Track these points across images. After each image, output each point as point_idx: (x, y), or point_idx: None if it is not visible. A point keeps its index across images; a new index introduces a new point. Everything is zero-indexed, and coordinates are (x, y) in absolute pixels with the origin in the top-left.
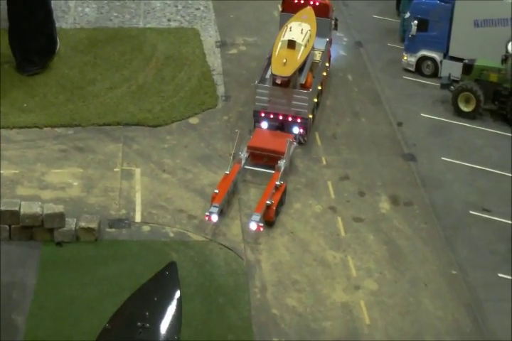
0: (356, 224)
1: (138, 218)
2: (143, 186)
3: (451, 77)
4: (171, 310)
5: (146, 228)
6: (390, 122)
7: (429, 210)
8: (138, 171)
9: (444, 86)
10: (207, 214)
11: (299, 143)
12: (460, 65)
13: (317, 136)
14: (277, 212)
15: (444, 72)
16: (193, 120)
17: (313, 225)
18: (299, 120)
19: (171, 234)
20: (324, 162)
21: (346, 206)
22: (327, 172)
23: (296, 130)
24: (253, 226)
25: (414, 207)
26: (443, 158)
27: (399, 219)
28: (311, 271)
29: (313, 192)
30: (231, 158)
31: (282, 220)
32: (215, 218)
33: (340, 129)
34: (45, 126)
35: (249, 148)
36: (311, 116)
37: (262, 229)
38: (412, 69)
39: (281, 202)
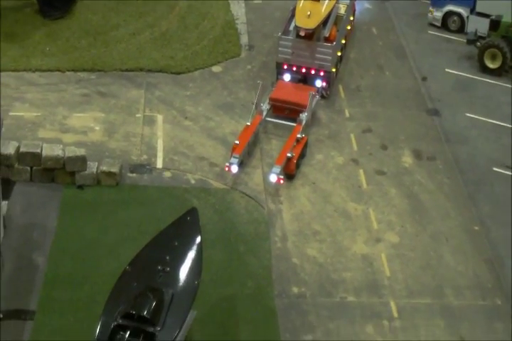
0: (378, 177)
1: (159, 164)
2: (165, 132)
3: (478, 33)
4: (192, 255)
5: (167, 174)
6: (414, 76)
7: (452, 165)
8: (160, 117)
9: (470, 42)
10: (227, 164)
11: (322, 96)
12: (487, 20)
13: (341, 89)
14: (298, 165)
15: (470, 28)
16: (216, 68)
17: (335, 176)
18: (322, 73)
19: (192, 181)
20: (347, 114)
21: (369, 159)
22: (350, 124)
23: (318, 83)
24: (273, 178)
25: (437, 162)
26: (467, 114)
27: (421, 173)
28: (332, 222)
29: (335, 144)
30: (253, 109)
31: (304, 171)
32: (234, 169)
33: (364, 82)
34: (68, 70)
35: (271, 99)
36: (334, 69)
37: (282, 181)
38: (438, 24)
39: (302, 155)
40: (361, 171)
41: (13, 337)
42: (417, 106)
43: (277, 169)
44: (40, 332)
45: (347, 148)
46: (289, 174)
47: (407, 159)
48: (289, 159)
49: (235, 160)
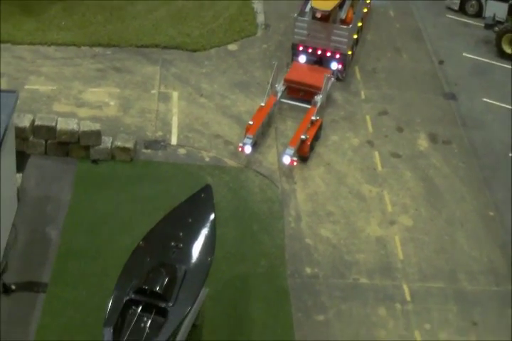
0: (394, 160)
1: (174, 141)
2: (180, 109)
3: (496, 18)
4: (205, 232)
5: (181, 151)
6: (431, 60)
7: (468, 150)
8: (175, 94)
9: (488, 26)
10: (240, 145)
11: (337, 79)
12: (505, 5)
13: (357, 70)
14: (312, 147)
15: (488, 13)
16: (232, 47)
17: (350, 158)
18: (337, 55)
19: (207, 159)
20: (363, 96)
21: (384, 141)
22: (366, 106)
23: (334, 65)
24: (286, 160)
25: (453, 146)
26: (484, 99)
27: (437, 157)
28: (346, 204)
29: (351, 126)
30: (267, 89)
31: (319, 152)
32: (248, 149)
33: (380, 64)
34: (83, 45)
35: (285, 81)
36: (350, 52)
37: (295, 163)
38: (456, 8)
39: (316, 138)
40: (376, 153)
41: (24, 309)
42: (433, 90)
43: (291, 151)
44: (52, 304)
45: (362, 130)
46: (303, 156)
47: (423, 142)
48: (302, 141)
49: (248, 141)
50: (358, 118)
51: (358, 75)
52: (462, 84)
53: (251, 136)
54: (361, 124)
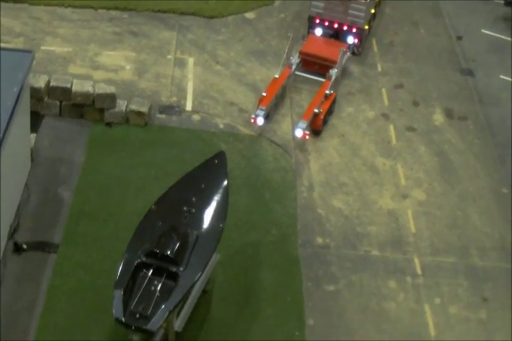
0: (408, 134)
1: (188, 107)
2: (195, 75)
3: None
4: (218, 198)
5: (196, 117)
6: (449, 35)
7: (483, 126)
8: (191, 60)
9: (507, 3)
10: (253, 116)
11: (353, 53)
12: None
13: (374, 43)
14: (325, 121)
15: None
16: (249, 15)
17: (364, 130)
18: (354, 30)
19: (221, 126)
20: (380, 69)
21: (399, 114)
22: (382, 79)
23: (350, 40)
24: (299, 133)
25: (469, 122)
26: (501, 76)
27: (452, 132)
28: (359, 176)
29: (366, 98)
30: (282, 61)
31: (333, 123)
32: (260, 121)
33: (398, 38)
34: (100, 8)
35: (301, 53)
36: (367, 27)
37: (307, 137)
38: None
39: (329, 112)
40: (391, 126)
41: (35, 268)
42: (450, 65)
43: (303, 124)
44: (62, 265)
45: (378, 103)
46: (316, 130)
47: (439, 117)
48: (316, 115)
49: (261, 113)
50: (373, 91)
51: (375, 48)
52: (480, 60)
53: (264, 108)
54: (377, 97)
